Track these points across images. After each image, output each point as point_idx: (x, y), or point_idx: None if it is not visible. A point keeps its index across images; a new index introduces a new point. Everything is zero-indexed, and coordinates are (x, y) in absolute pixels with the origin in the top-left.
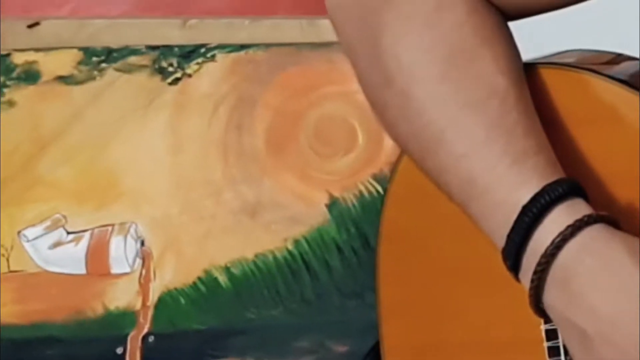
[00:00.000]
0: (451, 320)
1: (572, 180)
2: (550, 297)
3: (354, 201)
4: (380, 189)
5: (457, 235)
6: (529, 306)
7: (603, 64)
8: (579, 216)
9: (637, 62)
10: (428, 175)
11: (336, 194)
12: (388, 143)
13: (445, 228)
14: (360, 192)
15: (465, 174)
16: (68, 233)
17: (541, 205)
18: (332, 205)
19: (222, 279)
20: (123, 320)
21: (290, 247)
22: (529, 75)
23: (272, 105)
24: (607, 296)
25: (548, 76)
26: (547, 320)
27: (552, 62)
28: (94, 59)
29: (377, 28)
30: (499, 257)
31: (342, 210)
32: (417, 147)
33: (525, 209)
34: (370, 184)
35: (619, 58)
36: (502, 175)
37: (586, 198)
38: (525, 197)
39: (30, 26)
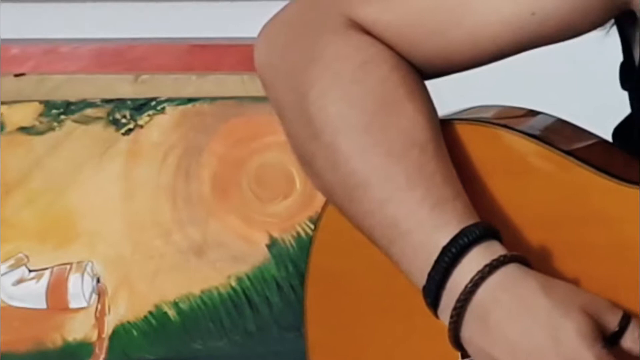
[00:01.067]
0: (374, 357)
1: (487, 223)
2: (469, 332)
3: (292, 241)
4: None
5: (379, 277)
6: (448, 341)
7: (513, 118)
8: (495, 256)
9: (545, 116)
10: (352, 221)
11: (275, 235)
12: None
13: (368, 270)
14: (298, 233)
15: (388, 218)
16: (30, 271)
17: (460, 246)
18: (272, 245)
19: (171, 313)
20: (81, 351)
21: (233, 283)
22: (446, 130)
23: (216, 153)
24: (523, 330)
25: (463, 131)
26: (465, 354)
27: (467, 118)
28: (54, 111)
29: (304, 84)
30: (419, 296)
31: (281, 249)
32: (343, 195)
33: (445, 249)
34: (307, 225)
35: (528, 113)
36: (423, 219)
37: (500, 240)
38: (445, 238)
39: None
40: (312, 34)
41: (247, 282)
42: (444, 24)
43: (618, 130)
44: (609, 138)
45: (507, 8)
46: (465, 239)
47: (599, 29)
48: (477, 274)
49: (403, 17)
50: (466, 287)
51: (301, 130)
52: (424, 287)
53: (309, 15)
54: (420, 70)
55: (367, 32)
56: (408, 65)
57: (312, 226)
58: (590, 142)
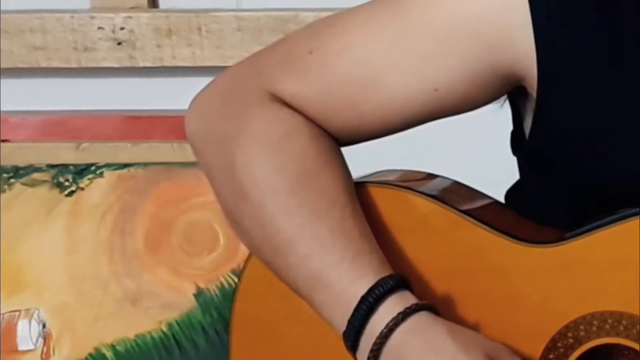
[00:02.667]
0: None
1: (400, 275)
2: None
3: (216, 291)
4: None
5: (299, 324)
6: None
7: (416, 181)
8: (407, 305)
9: (444, 179)
10: (278, 273)
11: (202, 285)
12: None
13: (288, 318)
14: (222, 283)
15: (311, 270)
16: None
17: (376, 295)
18: (199, 294)
19: (109, 354)
20: None
21: (164, 328)
22: (359, 192)
23: (149, 213)
24: None
25: (374, 193)
26: None
27: (376, 181)
28: (4, 175)
29: (233, 151)
30: (339, 341)
31: (206, 298)
32: (269, 250)
33: (363, 299)
34: (230, 277)
35: (429, 176)
36: (343, 271)
37: (411, 290)
38: (363, 289)
39: None
40: (239, 106)
41: (177, 327)
42: (356, 98)
43: (510, 193)
44: (502, 199)
45: (412, 84)
46: (381, 289)
47: (494, 102)
48: (391, 320)
49: (319, 92)
50: (382, 332)
51: (230, 192)
52: (344, 332)
53: (235, 89)
54: (336, 139)
55: (288, 105)
56: (325, 135)
57: (235, 277)
58: (484, 202)
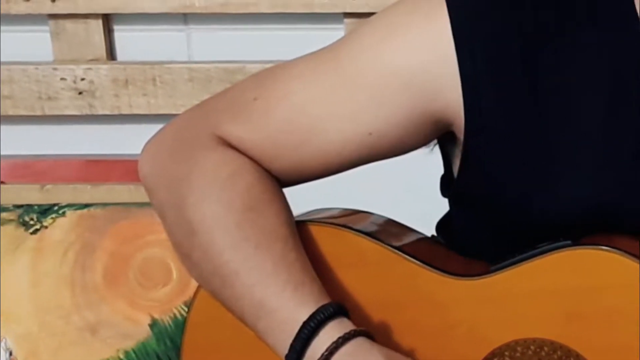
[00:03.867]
0: None
1: (339, 303)
2: None
3: (170, 321)
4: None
5: (244, 350)
6: None
7: (352, 219)
8: (346, 330)
9: (378, 217)
10: (225, 303)
11: (156, 316)
12: None
13: (234, 345)
14: (175, 314)
15: (256, 299)
16: None
17: (317, 321)
18: (153, 324)
19: None
20: None
21: (122, 356)
22: (300, 229)
23: (107, 249)
24: None
25: (313, 230)
26: None
27: (315, 219)
28: None
29: (184, 191)
30: None
31: (160, 328)
32: (217, 282)
33: (305, 324)
34: (182, 308)
35: (365, 214)
36: (285, 299)
37: (349, 318)
38: (305, 315)
39: None
40: (189, 149)
41: (133, 355)
42: (296, 142)
43: (440, 224)
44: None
45: (348, 129)
46: (322, 315)
47: (425, 147)
48: (331, 344)
49: (262, 136)
50: (322, 355)
51: (181, 228)
52: (287, 356)
53: (185, 133)
54: (278, 179)
55: (234, 147)
56: (268, 175)
57: (186, 309)
58: (415, 238)
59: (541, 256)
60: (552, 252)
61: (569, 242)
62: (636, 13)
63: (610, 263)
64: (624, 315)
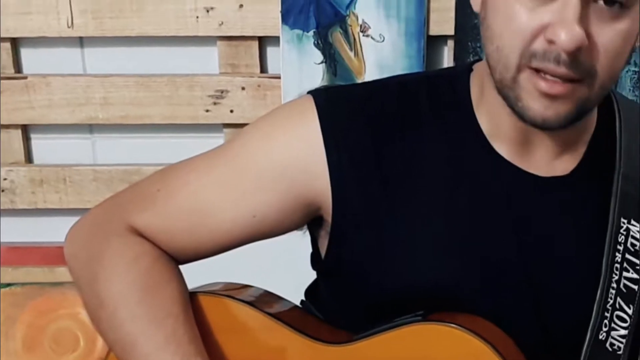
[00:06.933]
0: None
1: None
2: None
3: None
4: None
5: None
6: None
7: (235, 290)
8: None
9: (257, 289)
10: None
11: None
12: (99, 345)
13: None
14: None
15: None
16: None
17: None
18: None
19: None
20: None
21: None
22: (192, 300)
23: (26, 321)
24: None
25: (203, 300)
26: None
27: (204, 291)
28: None
29: (96, 270)
30: None
31: None
32: (119, 348)
33: None
34: None
35: (245, 287)
36: None
37: None
38: None
39: None
40: (103, 235)
41: None
42: (193, 225)
43: (308, 290)
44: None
45: (236, 213)
46: None
47: (299, 228)
48: None
49: (163, 222)
50: None
51: (92, 301)
52: None
53: (101, 220)
54: (177, 259)
55: (141, 233)
56: (168, 257)
57: None
58: (289, 307)
59: (396, 328)
60: (405, 325)
61: (419, 317)
62: (471, 102)
63: (451, 337)
64: None
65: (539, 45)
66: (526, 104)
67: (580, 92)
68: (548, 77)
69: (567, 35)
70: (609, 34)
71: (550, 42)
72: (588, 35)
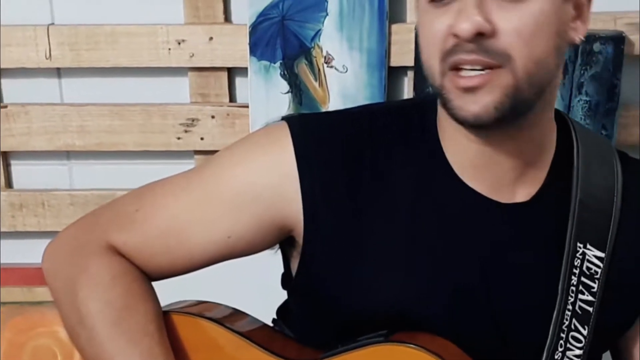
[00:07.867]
0: None
1: None
2: None
3: None
4: None
5: None
6: None
7: (207, 308)
8: None
9: (227, 307)
10: None
11: None
12: None
13: None
14: None
15: None
16: None
17: None
18: None
19: None
20: None
21: None
22: (166, 318)
23: (7, 338)
24: None
25: (176, 319)
26: None
27: (176, 309)
28: None
29: (75, 288)
30: None
31: None
32: None
33: None
34: None
35: (216, 305)
36: None
37: None
38: None
39: None
40: (82, 253)
41: None
42: (169, 244)
43: (280, 309)
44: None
45: (211, 233)
46: None
47: (271, 249)
48: None
49: (140, 242)
50: None
51: (72, 317)
52: None
53: (81, 238)
54: (152, 276)
55: (119, 252)
56: (144, 277)
57: None
58: (258, 326)
59: (360, 348)
60: (368, 345)
61: (382, 338)
62: (437, 131)
63: (411, 357)
64: None
65: (449, 42)
66: (455, 104)
67: (502, 79)
68: (464, 73)
69: (465, 23)
70: (516, 16)
71: (455, 36)
72: (492, 22)
